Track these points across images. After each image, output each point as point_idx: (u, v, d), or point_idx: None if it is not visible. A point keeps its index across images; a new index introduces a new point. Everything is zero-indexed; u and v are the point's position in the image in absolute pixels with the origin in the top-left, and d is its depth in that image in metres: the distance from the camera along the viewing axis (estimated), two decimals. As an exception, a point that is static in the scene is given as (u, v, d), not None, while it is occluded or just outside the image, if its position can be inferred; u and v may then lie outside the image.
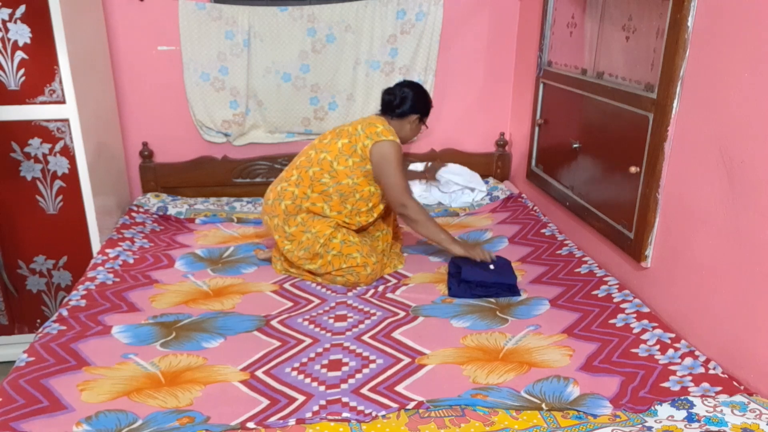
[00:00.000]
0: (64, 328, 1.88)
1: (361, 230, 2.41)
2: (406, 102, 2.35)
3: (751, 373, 1.60)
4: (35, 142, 2.42)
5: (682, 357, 1.70)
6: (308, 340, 1.89)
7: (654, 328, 1.85)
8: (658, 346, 1.76)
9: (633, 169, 2.05)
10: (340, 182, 2.25)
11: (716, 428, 1.38)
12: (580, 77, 2.45)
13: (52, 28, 2.28)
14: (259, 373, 1.71)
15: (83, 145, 2.44)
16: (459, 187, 3.10)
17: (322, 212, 2.28)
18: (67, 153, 2.45)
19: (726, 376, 1.62)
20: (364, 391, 1.63)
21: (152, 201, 2.97)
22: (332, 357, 1.79)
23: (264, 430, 1.43)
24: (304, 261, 2.28)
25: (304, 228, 2.26)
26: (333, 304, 2.13)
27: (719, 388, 1.56)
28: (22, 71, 2.33)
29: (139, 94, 3.02)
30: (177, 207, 2.95)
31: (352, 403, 1.57)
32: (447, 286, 2.23)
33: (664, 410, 1.48)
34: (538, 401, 1.56)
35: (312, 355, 1.81)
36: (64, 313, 1.96)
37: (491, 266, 2.22)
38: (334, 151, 2.27)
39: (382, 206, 2.36)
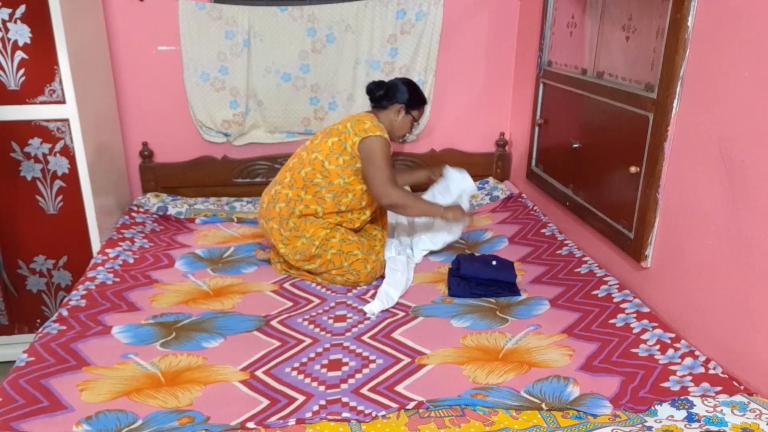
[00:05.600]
0: (64, 328, 1.88)
1: (357, 230, 2.40)
2: (388, 91, 2.35)
3: (751, 373, 1.60)
4: (35, 142, 2.42)
5: (682, 357, 1.70)
6: (308, 340, 1.89)
7: (654, 328, 1.85)
8: (658, 346, 1.76)
9: (633, 169, 2.05)
10: (332, 182, 2.24)
11: (716, 428, 1.38)
12: (580, 77, 2.45)
13: (52, 28, 2.28)
14: (259, 373, 1.71)
15: (83, 145, 2.44)
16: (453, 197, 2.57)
17: (315, 215, 2.27)
18: (67, 153, 2.45)
19: (726, 376, 1.62)
20: (364, 391, 1.63)
21: (152, 201, 2.97)
22: (332, 357, 1.80)
23: (264, 430, 1.43)
24: (302, 263, 2.28)
25: (297, 233, 2.26)
26: (333, 304, 2.13)
27: (719, 388, 1.56)
28: (22, 71, 2.33)
29: (139, 94, 3.02)
30: (177, 207, 2.95)
31: (352, 403, 1.57)
32: (447, 285, 2.23)
33: (664, 410, 1.48)
34: (538, 401, 1.56)
35: (312, 355, 1.81)
36: (64, 313, 1.96)
37: (493, 263, 2.22)
38: (324, 150, 2.26)
39: (375, 204, 2.36)
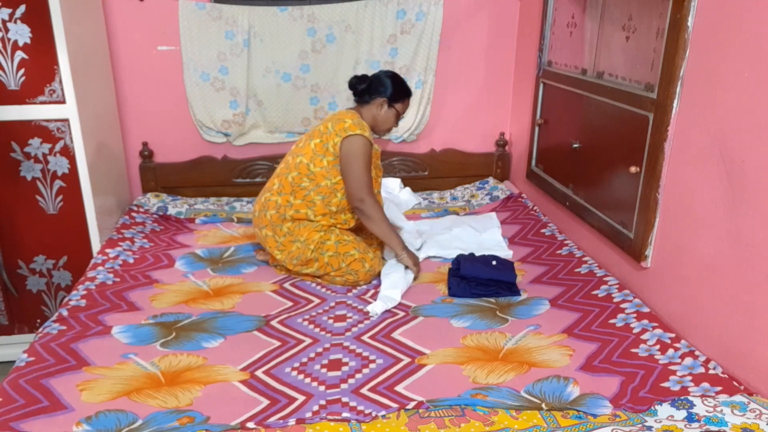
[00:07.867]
0: (64, 328, 1.88)
1: (353, 229, 2.40)
2: (371, 85, 2.32)
3: (751, 373, 1.60)
4: (35, 142, 2.42)
5: (682, 357, 1.70)
6: (308, 340, 1.89)
7: (654, 328, 1.85)
8: (658, 346, 1.76)
9: (633, 169, 2.05)
10: (319, 184, 2.24)
11: (716, 428, 1.38)
12: (580, 77, 2.45)
13: (52, 28, 2.28)
14: (259, 373, 1.71)
15: (83, 145, 2.44)
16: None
17: (307, 218, 2.27)
18: (67, 153, 2.45)
19: (726, 376, 1.62)
20: (364, 391, 1.63)
21: (152, 201, 2.97)
22: (332, 357, 1.80)
23: (264, 430, 1.43)
24: (300, 267, 2.28)
25: (292, 237, 2.25)
26: (333, 304, 2.13)
27: (719, 388, 1.56)
28: (22, 71, 2.33)
29: (139, 94, 3.02)
30: (177, 207, 2.95)
31: (352, 403, 1.57)
32: (447, 285, 2.23)
33: (664, 410, 1.48)
34: (538, 401, 1.56)
35: (312, 355, 1.81)
36: (64, 313, 1.96)
37: (493, 263, 2.22)
38: (308, 153, 2.25)
39: None
